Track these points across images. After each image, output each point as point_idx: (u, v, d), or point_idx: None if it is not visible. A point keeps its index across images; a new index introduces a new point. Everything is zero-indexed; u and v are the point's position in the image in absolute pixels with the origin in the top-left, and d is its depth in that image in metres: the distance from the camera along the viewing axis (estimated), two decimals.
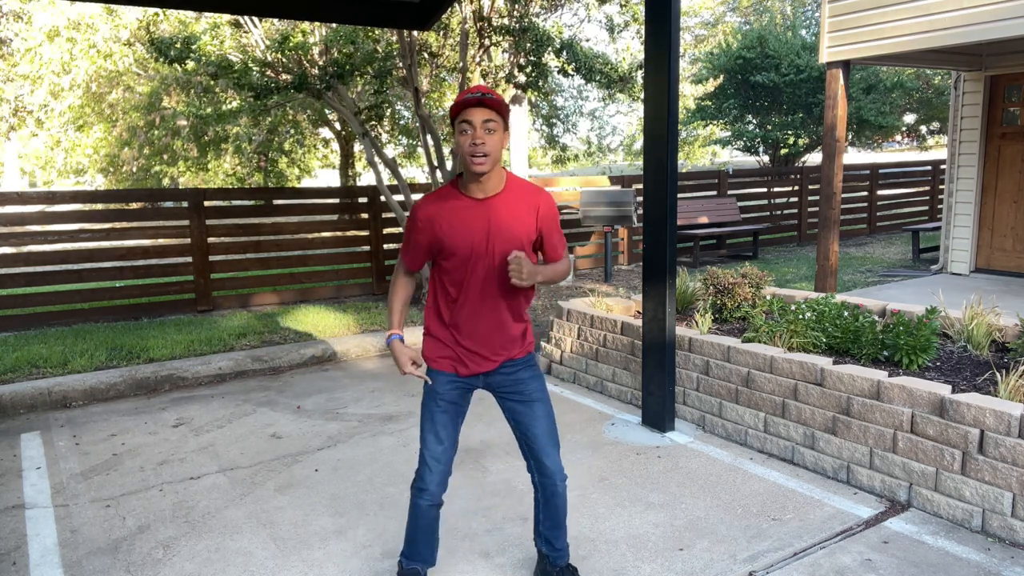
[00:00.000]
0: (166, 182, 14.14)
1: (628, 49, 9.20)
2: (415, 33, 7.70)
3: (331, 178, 22.06)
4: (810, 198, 12.96)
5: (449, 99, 13.07)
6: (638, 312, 5.51)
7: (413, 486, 2.64)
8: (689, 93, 11.24)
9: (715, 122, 16.82)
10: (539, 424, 2.61)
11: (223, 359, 6.06)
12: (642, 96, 5.35)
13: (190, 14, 10.31)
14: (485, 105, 2.31)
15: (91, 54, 11.58)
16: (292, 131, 14.16)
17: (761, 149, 17.01)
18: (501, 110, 2.34)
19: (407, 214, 8.27)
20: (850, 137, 16.75)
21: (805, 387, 3.93)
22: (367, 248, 8.98)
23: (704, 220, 11.41)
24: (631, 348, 5.05)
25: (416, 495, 2.63)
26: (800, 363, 3.94)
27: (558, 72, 8.03)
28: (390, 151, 14.54)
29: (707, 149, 17.99)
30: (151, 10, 9.18)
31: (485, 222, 2.43)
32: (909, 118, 21.44)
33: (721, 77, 14.28)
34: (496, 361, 2.58)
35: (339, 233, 9.03)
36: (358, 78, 8.22)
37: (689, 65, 14.05)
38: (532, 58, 7.50)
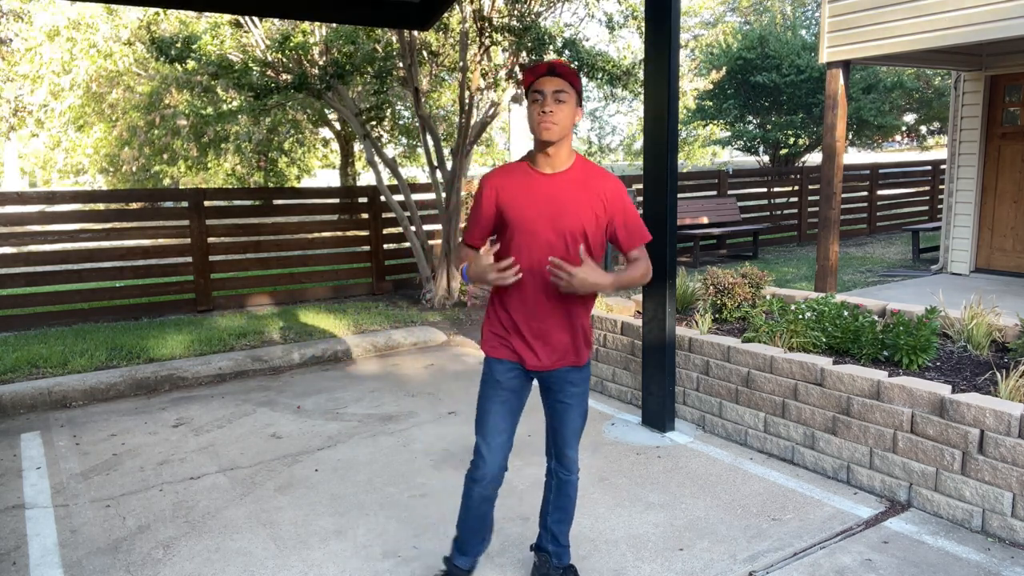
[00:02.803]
0: (166, 182, 14.14)
1: (629, 47, 9.20)
2: (415, 33, 7.70)
3: (331, 178, 22.05)
4: (810, 198, 12.95)
5: (449, 99, 13.06)
6: (638, 312, 5.50)
7: (467, 475, 2.62)
8: (689, 89, 11.23)
9: (715, 122, 16.82)
10: (572, 424, 2.65)
11: (223, 359, 6.06)
12: (643, 92, 5.35)
13: (190, 14, 10.31)
14: (557, 74, 2.33)
15: (91, 54, 11.58)
16: (292, 131, 14.16)
17: (761, 149, 17.00)
18: (574, 81, 2.35)
19: (407, 214, 8.32)
20: (850, 137, 16.75)
21: (805, 387, 3.92)
22: (367, 248, 8.98)
23: (704, 220, 11.40)
24: (631, 348, 5.05)
25: (468, 484, 2.61)
26: (800, 363, 3.94)
27: None
28: (390, 151, 14.53)
29: (707, 149, 17.99)
30: (151, 10, 9.18)
31: (549, 196, 2.41)
32: (909, 118, 21.43)
33: (723, 70, 14.27)
34: (554, 361, 2.54)
35: (339, 233, 9.03)
36: (358, 78, 8.22)
37: (689, 61, 14.03)
38: (533, 57, 7.50)
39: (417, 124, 10.07)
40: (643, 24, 6.04)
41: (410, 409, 5.08)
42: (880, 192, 14.07)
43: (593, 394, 5.33)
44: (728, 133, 17.09)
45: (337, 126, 13.62)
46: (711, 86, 13.98)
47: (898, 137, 27.88)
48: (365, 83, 9.24)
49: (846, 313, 4.42)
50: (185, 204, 7.99)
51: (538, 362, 2.54)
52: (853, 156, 30.17)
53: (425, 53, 8.24)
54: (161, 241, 8.47)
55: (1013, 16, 5.83)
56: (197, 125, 12.25)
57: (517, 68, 7.86)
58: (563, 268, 2.29)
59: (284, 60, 7.53)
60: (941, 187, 14.49)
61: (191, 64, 7.70)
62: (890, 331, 4.08)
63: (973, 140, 8.61)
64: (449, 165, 8.14)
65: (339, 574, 3.03)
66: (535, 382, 2.66)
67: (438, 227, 9.12)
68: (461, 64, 7.90)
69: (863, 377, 3.65)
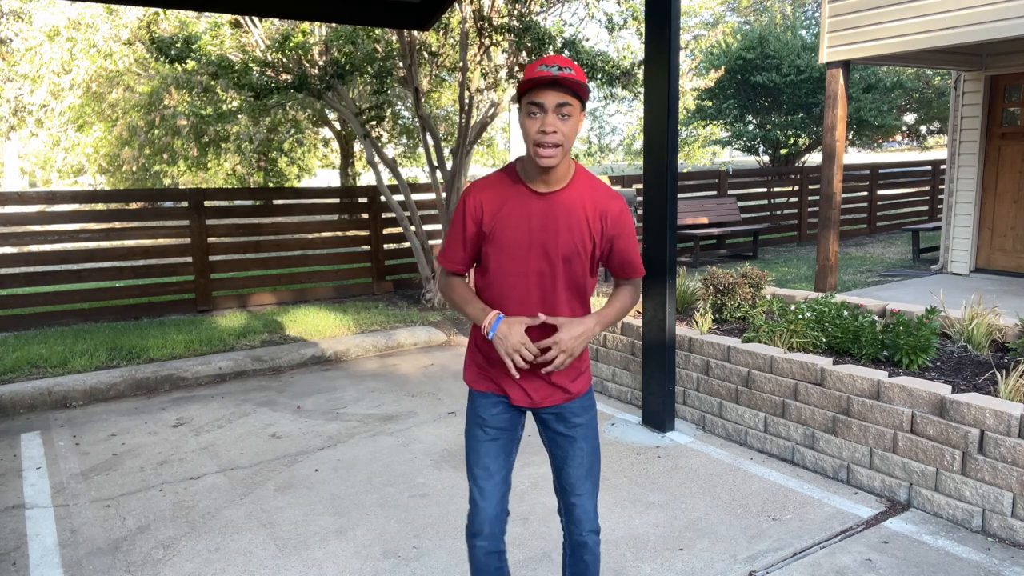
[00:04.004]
0: (166, 182, 14.14)
1: (629, 47, 9.20)
2: (415, 33, 7.70)
3: (331, 178, 22.06)
4: (810, 198, 12.95)
5: (449, 99, 13.05)
6: (638, 312, 5.50)
7: (466, 531, 2.25)
8: (689, 88, 11.23)
9: (715, 122, 16.82)
10: (578, 463, 2.21)
11: (223, 359, 6.06)
12: (643, 92, 5.35)
13: (190, 14, 10.31)
14: (562, 85, 1.89)
15: (91, 54, 11.58)
16: (292, 131, 14.16)
17: (761, 149, 17.00)
18: (580, 91, 1.92)
19: (407, 214, 8.32)
20: (850, 137, 16.75)
21: (805, 387, 3.92)
22: (367, 248, 8.98)
23: (704, 220, 11.40)
24: (631, 348, 5.05)
25: (469, 542, 2.23)
26: (800, 363, 3.94)
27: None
28: (390, 151, 14.53)
29: (707, 149, 17.98)
30: (151, 10, 9.18)
31: (543, 220, 2.04)
32: (909, 118, 21.44)
33: (722, 69, 14.28)
34: (544, 397, 2.19)
35: (339, 233, 9.03)
36: (358, 78, 8.22)
37: (689, 60, 14.05)
38: (533, 57, 7.50)
39: (417, 124, 10.07)
40: (643, 25, 6.05)
41: (410, 409, 5.08)
42: (880, 192, 14.07)
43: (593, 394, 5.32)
44: (728, 133, 17.09)
45: (337, 126, 13.62)
46: (711, 84, 13.98)
47: (898, 137, 27.88)
48: (365, 83, 9.24)
49: (846, 313, 4.42)
50: (185, 204, 7.99)
51: (526, 399, 2.19)
52: (853, 156, 30.18)
53: (425, 53, 8.24)
54: (161, 241, 8.47)
55: (1013, 16, 5.83)
56: (197, 125, 12.25)
57: (517, 69, 7.86)
58: (547, 355, 2.04)
59: (284, 60, 7.53)
60: (941, 187, 14.50)
61: (191, 64, 7.70)
62: (890, 331, 4.08)
63: (973, 140, 8.61)
64: (449, 165, 8.14)
65: (339, 574, 3.03)
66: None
67: (438, 227, 9.12)
68: (461, 64, 7.90)
69: (863, 377, 3.65)
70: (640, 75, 7.98)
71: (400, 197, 8.49)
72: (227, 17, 8.41)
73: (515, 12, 7.50)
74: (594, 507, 2.23)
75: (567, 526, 2.26)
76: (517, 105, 2.03)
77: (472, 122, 8.05)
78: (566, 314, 2.14)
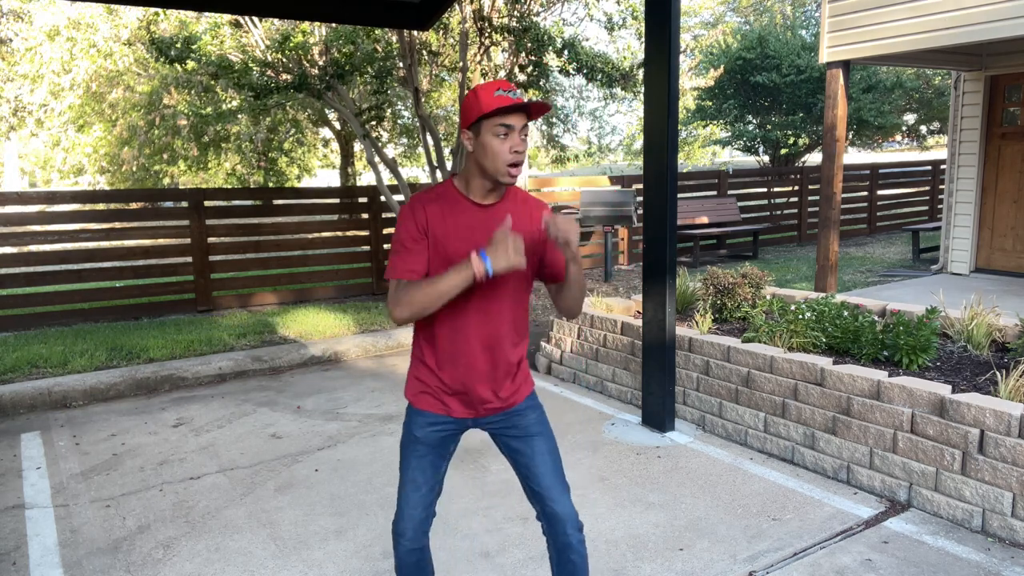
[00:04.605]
0: (166, 181, 14.14)
1: (629, 48, 9.20)
2: (415, 33, 7.70)
3: (331, 178, 22.06)
4: (810, 198, 12.96)
5: (449, 99, 13.05)
6: (638, 312, 5.50)
7: (392, 529, 2.31)
8: (689, 87, 11.24)
9: (715, 122, 16.82)
10: (541, 462, 2.23)
11: (223, 359, 6.06)
12: (643, 92, 5.36)
13: (190, 14, 10.31)
14: (523, 108, 2.00)
15: (91, 53, 11.59)
16: (292, 131, 14.17)
17: (761, 149, 17.01)
18: (539, 115, 2.06)
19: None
20: (850, 137, 16.75)
21: (805, 387, 3.93)
22: (367, 248, 8.98)
23: (704, 220, 11.41)
24: (631, 348, 5.05)
25: (394, 538, 2.30)
26: (800, 363, 3.94)
27: (559, 72, 8.03)
28: (390, 151, 14.54)
29: (707, 149, 17.98)
30: (151, 10, 9.18)
31: (487, 231, 2.08)
32: (909, 118, 21.44)
33: (721, 68, 14.29)
34: (492, 405, 2.21)
35: (339, 233, 9.03)
36: (358, 78, 8.22)
37: (689, 60, 14.06)
38: (533, 58, 7.51)
39: (417, 124, 10.07)
40: (643, 25, 6.05)
41: None
42: (880, 192, 14.07)
43: (593, 394, 5.33)
44: (728, 133, 17.09)
45: (337, 126, 13.62)
46: (711, 83, 13.98)
47: (898, 137, 27.88)
48: (365, 83, 9.24)
49: (846, 313, 4.42)
50: (185, 204, 7.99)
51: (468, 412, 2.22)
52: (853, 156, 30.17)
53: (425, 53, 8.24)
54: (161, 241, 8.47)
55: (1013, 16, 5.83)
56: (197, 125, 12.26)
57: (517, 69, 7.86)
58: (558, 220, 2.02)
59: (284, 60, 7.53)
60: (941, 187, 14.50)
61: (191, 64, 7.70)
62: (890, 331, 4.08)
63: (973, 140, 8.61)
64: (449, 165, 8.14)
65: (339, 574, 3.03)
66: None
67: None
68: (461, 64, 7.90)
69: (863, 377, 3.65)
70: (640, 75, 7.98)
71: (400, 197, 8.49)
72: (227, 17, 8.41)
73: (515, 12, 7.50)
74: (571, 503, 2.25)
75: (549, 530, 2.25)
76: (469, 126, 2.03)
77: None
78: (508, 325, 2.17)
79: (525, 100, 2.00)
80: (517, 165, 2.01)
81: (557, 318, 5.85)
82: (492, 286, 2.11)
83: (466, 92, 7.88)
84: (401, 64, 7.90)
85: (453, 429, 2.25)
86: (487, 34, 7.54)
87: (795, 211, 13.10)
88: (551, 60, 7.74)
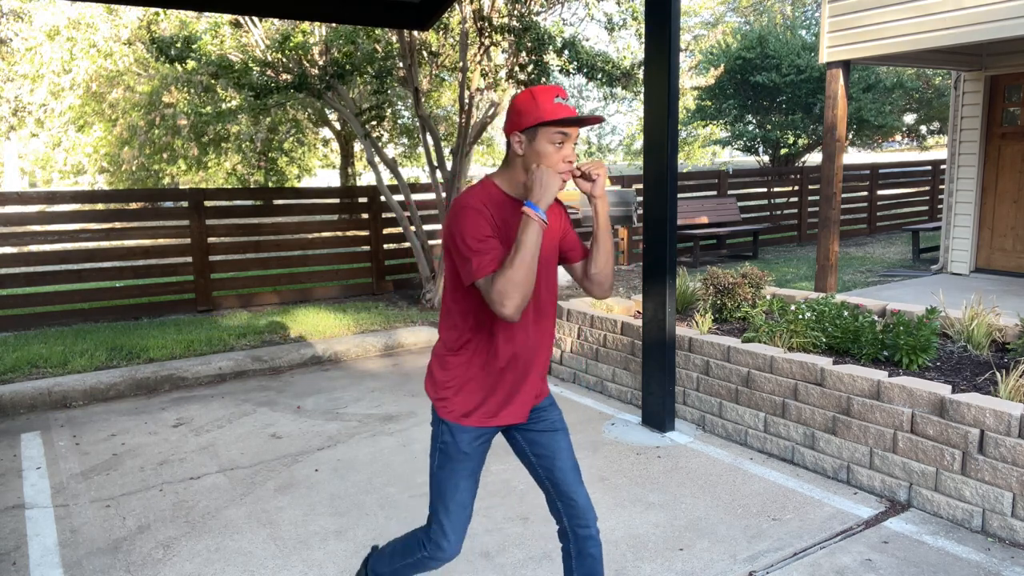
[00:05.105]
0: (166, 181, 14.14)
1: (629, 47, 9.20)
2: (415, 33, 7.70)
3: (331, 178, 22.05)
4: (810, 198, 12.96)
5: (449, 99, 13.05)
6: (638, 312, 5.50)
7: (420, 552, 2.24)
8: (689, 87, 11.23)
9: (715, 122, 16.82)
10: (565, 456, 2.24)
11: (223, 359, 6.06)
12: (643, 92, 5.35)
13: (190, 14, 10.31)
14: (582, 125, 2.04)
15: (91, 53, 11.58)
16: (293, 130, 14.16)
17: (761, 149, 17.00)
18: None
19: (407, 214, 8.32)
20: (850, 137, 16.75)
21: (805, 387, 3.92)
22: (367, 248, 8.98)
23: (704, 220, 11.40)
24: (631, 348, 5.05)
25: (424, 561, 2.24)
26: (800, 363, 3.94)
27: (559, 71, 8.03)
28: (390, 151, 14.53)
29: (707, 149, 17.99)
30: (151, 9, 9.18)
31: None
32: (909, 118, 21.44)
33: (721, 67, 14.30)
34: (534, 403, 2.23)
35: (339, 233, 9.03)
36: (358, 78, 8.22)
37: (688, 60, 14.07)
38: (533, 57, 7.50)
39: (417, 124, 10.07)
40: (643, 26, 6.05)
41: (410, 409, 5.08)
42: (880, 192, 14.07)
43: (593, 394, 5.33)
44: (728, 133, 17.09)
45: (337, 126, 13.62)
46: (711, 83, 13.98)
47: (898, 137, 27.88)
48: (365, 83, 9.24)
49: (846, 313, 4.42)
50: (185, 204, 7.99)
51: (512, 417, 2.19)
52: (853, 156, 30.17)
53: (425, 53, 8.24)
54: (161, 241, 8.47)
55: (1013, 16, 5.83)
56: (197, 124, 12.26)
57: (517, 69, 7.84)
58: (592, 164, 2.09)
59: (284, 60, 7.53)
60: (941, 187, 14.50)
61: (191, 64, 7.70)
62: (890, 331, 4.08)
63: (973, 140, 8.61)
64: (449, 165, 8.14)
65: (339, 574, 3.03)
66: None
67: (438, 227, 9.12)
68: (461, 64, 7.90)
69: (863, 377, 3.65)
70: (640, 75, 7.98)
71: (400, 197, 8.49)
72: (227, 17, 8.41)
73: (515, 12, 7.50)
74: (588, 496, 2.25)
75: (570, 523, 2.22)
76: (523, 129, 2.02)
77: (472, 122, 8.05)
78: (551, 319, 2.21)
79: (580, 112, 2.03)
80: (569, 173, 2.04)
81: (557, 318, 5.85)
82: (541, 277, 2.12)
83: (466, 93, 7.88)
84: (401, 64, 7.90)
85: (492, 435, 2.22)
86: (487, 34, 7.54)
87: (795, 211, 13.10)
88: (551, 59, 7.74)
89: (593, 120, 2.02)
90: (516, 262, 1.91)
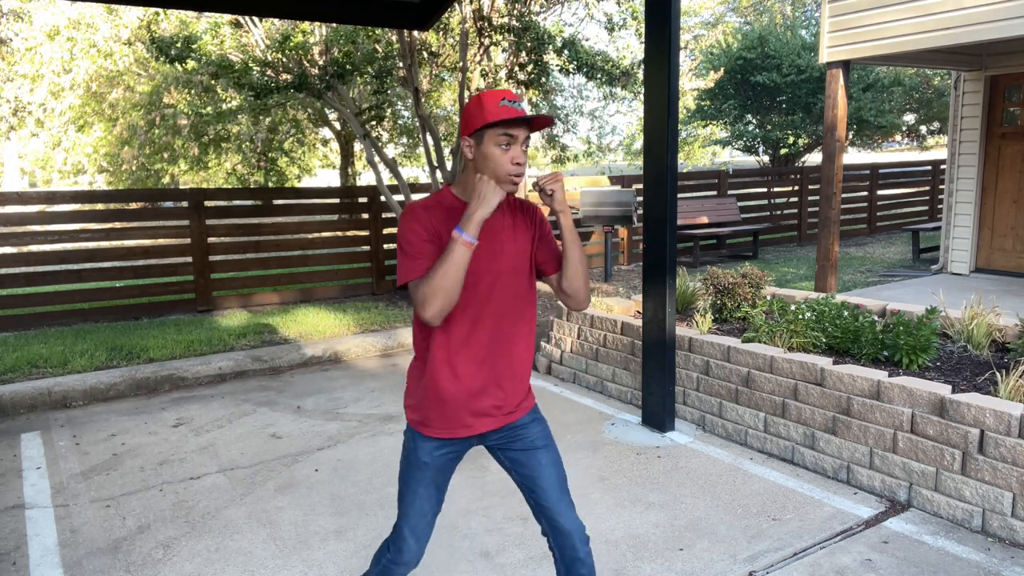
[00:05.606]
0: (166, 181, 14.14)
1: (628, 47, 9.20)
2: (415, 33, 7.70)
3: (331, 178, 22.06)
4: (810, 198, 12.96)
5: (449, 99, 13.06)
6: (638, 312, 5.50)
7: (384, 557, 2.22)
8: (689, 88, 11.24)
9: (715, 122, 16.82)
10: (546, 475, 2.16)
11: (223, 359, 6.06)
12: (643, 92, 5.36)
13: (190, 14, 10.31)
14: (531, 125, 2.00)
15: (91, 53, 11.59)
16: (293, 130, 14.16)
17: (761, 149, 17.01)
18: (539, 128, 2.06)
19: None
20: (850, 137, 16.75)
21: (805, 387, 3.92)
22: (367, 248, 8.98)
23: (704, 220, 11.41)
24: (631, 348, 5.05)
25: (390, 566, 2.22)
26: (800, 363, 3.94)
27: (559, 71, 8.03)
28: (390, 151, 14.54)
29: (707, 149, 17.99)
30: (151, 9, 9.19)
31: (488, 237, 2.05)
32: (909, 118, 21.44)
33: (721, 70, 14.30)
34: (502, 417, 2.15)
35: (339, 233, 9.03)
36: (358, 78, 8.22)
37: (689, 61, 14.07)
38: (533, 57, 7.51)
39: (417, 124, 10.07)
40: (643, 26, 6.05)
41: None
42: (880, 192, 14.07)
43: (593, 394, 5.33)
44: (728, 133, 17.09)
45: (337, 126, 13.62)
46: (711, 85, 13.98)
47: (898, 137, 27.88)
48: (365, 83, 9.24)
49: (846, 313, 4.42)
50: (185, 204, 7.99)
51: (480, 427, 2.14)
52: (853, 156, 30.18)
53: (425, 53, 8.24)
54: (161, 241, 8.47)
55: (1013, 16, 5.83)
56: (197, 124, 12.26)
57: (517, 69, 7.84)
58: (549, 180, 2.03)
59: (284, 60, 7.54)
60: (941, 187, 14.50)
61: (191, 64, 7.70)
62: (890, 331, 4.08)
63: (973, 140, 8.61)
64: (449, 165, 8.14)
65: (339, 574, 3.03)
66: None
67: None
68: (461, 64, 7.90)
69: (863, 377, 3.65)
70: (640, 75, 7.98)
71: (400, 197, 8.49)
72: (227, 17, 8.41)
73: (515, 12, 7.50)
74: (577, 516, 2.18)
75: (556, 544, 2.18)
76: (471, 134, 2.00)
77: None
78: (521, 330, 2.15)
79: (529, 112, 1.98)
80: (518, 176, 1.99)
81: (557, 318, 5.85)
82: (498, 287, 2.09)
83: (466, 93, 7.88)
84: (401, 64, 7.90)
85: (461, 448, 2.18)
86: (487, 34, 7.54)
87: (795, 211, 13.10)
88: (551, 59, 7.75)
89: (543, 121, 1.99)
90: (438, 273, 1.92)
